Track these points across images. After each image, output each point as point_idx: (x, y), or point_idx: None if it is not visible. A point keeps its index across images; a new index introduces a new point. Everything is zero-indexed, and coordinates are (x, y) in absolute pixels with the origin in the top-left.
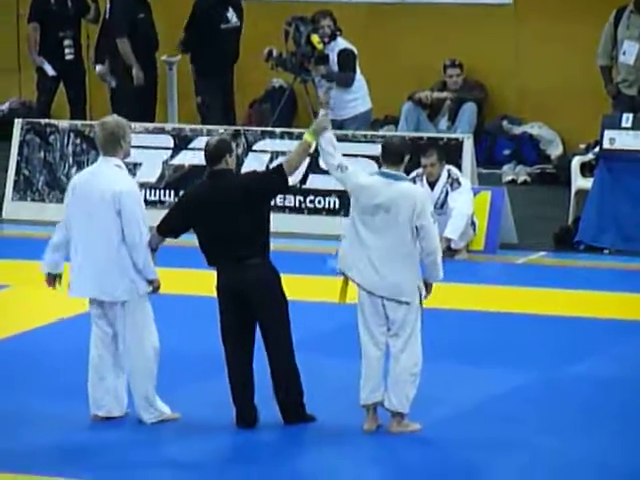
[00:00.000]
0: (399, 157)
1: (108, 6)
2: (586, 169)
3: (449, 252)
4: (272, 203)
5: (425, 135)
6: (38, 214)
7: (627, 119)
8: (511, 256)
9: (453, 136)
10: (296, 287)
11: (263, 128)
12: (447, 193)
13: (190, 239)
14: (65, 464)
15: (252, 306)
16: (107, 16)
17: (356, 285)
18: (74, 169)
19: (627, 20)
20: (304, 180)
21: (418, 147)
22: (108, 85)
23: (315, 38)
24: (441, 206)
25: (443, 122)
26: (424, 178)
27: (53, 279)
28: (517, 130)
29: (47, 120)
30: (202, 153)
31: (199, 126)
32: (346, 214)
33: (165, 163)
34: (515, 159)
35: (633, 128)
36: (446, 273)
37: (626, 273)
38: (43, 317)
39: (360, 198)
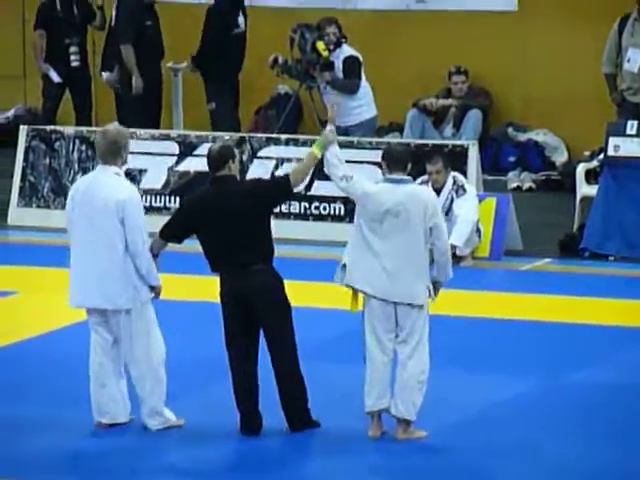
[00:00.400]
0: (403, 164)
1: (115, 12)
2: (591, 176)
3: (454, 259)
4: (277, 209)
5: (430, 142)
6: (43, 220)
7: (632, 126)
8: (516, 263)
9: (458, 143)
10: (301, 293)
11: (268, 135)
12: (452, 200)
13: (192, 245)
14: (69, 471)
15: (256, 312)
16: (113, 23)
17: (366, 295)
18: (79, 175)
19: (632, 27)
20: (309, 187)
21: (423, 154)
22: (117, 91)
23: (320, 45)
24: (446, 213)
25: (448, 129)
26: (429, 185)
27: None
28: (522, 137)
29: (52, 127)
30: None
31: (204, 132)
32: (351, 220)
33: (170, 169)
34: (520, 166)
35: (638, 135)
36: (451, 280)
37: (631, 280)
38: (50, 324)
39: (367, 205)
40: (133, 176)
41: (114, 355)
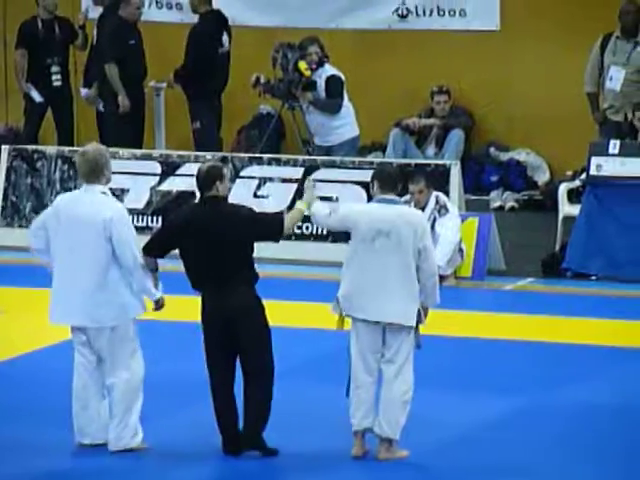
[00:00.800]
0: (394, 185)
1: (97, 31)
2: (573, 196)
3: None
4: None
5: (413, 162)
6: (25, 241)
7: (614, 146)
8: (499, 282)
9: (440, 162)
10: (282, 313)
11: (251, 154)
12: (435, 220)
13: (174, 265)
14: None
15: (235, 334)
16: (95, 41)
17: (360, 320)
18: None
19: (614, 46)
20: (292, 206)
21: (406, 174)
22: (96, 109)
23: (303, 65)
24: None
25: (430, 149)
26: (412, 205)
27: None
28: (504, 157)
29: (34, 146)
30: (190, 179)
31: (187, 152)
32: (334, 240)
33: (153, 189)
34: (502, 185)
35: (620, 155)
36: None
37: (614, 300)
38: (34, 343)
39: (359, 225)
40: (116, 196)
41: (97, 376)
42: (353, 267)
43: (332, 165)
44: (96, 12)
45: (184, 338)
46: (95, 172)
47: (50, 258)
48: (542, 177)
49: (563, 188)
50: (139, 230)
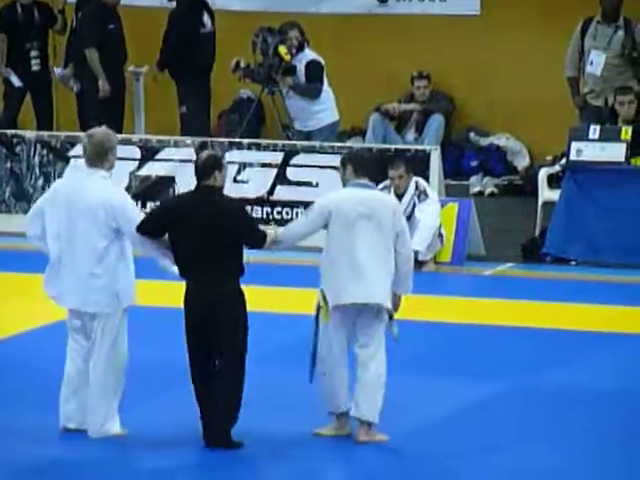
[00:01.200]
0: (369, 169)
1: (76, 16)
2: (553, 180)
3: (416, 264)
4: None
5: (392, 147)
6: (4, 225)
7: (594, 131)
8: (478, 268)
9: (420, 148)
10: (261, 298)
11: (231, 139)
12: (414, 205)
13: None
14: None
15: (214, 324)
16: (74, 25)
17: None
18: (41, 180)
19: (594, 31)
20: (272, 191)
21: (386, 159)
22: (70, 90)
23: (282, 49)
24: (408, 218)
25: (410, 134)
26: (392, 190)
27: None
28: (484, 142)
29: (13, 131)
30: (169, 164)
31: (166, 137)
32: None
33: (132, 174)
34: (482, 171)
35: (600, 140)
36: (413, 285)
37: (593, 285)
38: (14, 328)
39: (341, 209)
40: None
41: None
42: (334, 252)
43: (312, 150)
44: None
45: (167, 324)
46: (100, 156)
47: (46, 243)
48: (522, 162)
49: (543, 173)
50: None
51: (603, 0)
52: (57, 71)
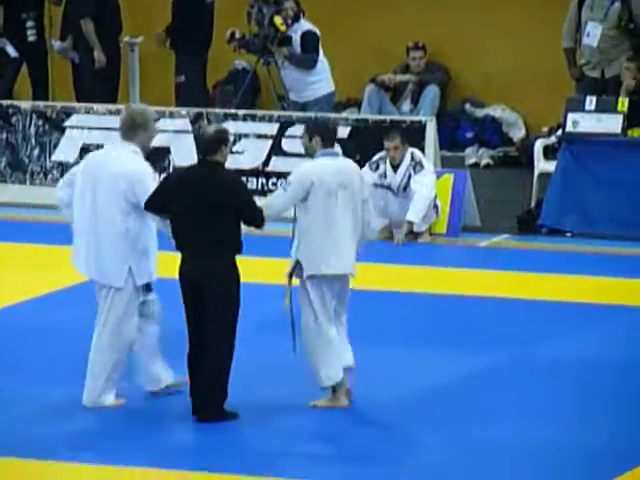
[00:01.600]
0: (335, 139)
1: None
2: (549, 152)
3: (411, 235)
4: None
5: (388, 118)
6: (0, 196)
7: (590, 102)
8: (474, 239)
9: (416, 119)
10: (254, 269)
11: (226, 110)
12: (410, 176)
13: None
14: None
15: (204, 299)
16: None
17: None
18: (36, 150)
19: (591, 2)
20: (267, 163)
21: (381, 130)
22: (71, 62)
23: (278, 20)
24: (404, 189)
25: (406, 105)
26: (387, 161)
27: None
28: (480, 113)
29: (9, 101)
30: (164, 135)
31: (162, 108)
32: None
33: None
34: (478, 142)
35: (596, 111)
36: (409, 256)
37: (588, 256)
38: (11, 298)
39: (324, 179)
40: (90, 151)
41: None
42: (313, 223)
43: (307, 121)
44: None
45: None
46: (129, 129)
47: (72, 212)
48: (517, 133)
49: (539, 144)
50: None
51: None
52: (56, 45)
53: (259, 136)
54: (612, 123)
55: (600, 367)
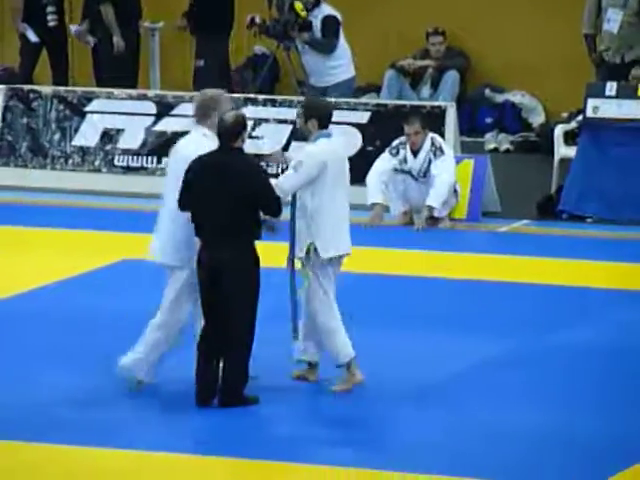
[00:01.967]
0: (331, 120)
1: None
2: (569, 137)
3: (431, 220)
4: None
5: (408, 103)
6: (21, 180)
7: (611, 87)
8: (494, 224)
9: (436, 104)
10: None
11: (245, 95)
12: (430, 161)
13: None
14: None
15: (222, 287)
16: None
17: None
18: (57, 135)
19: None
20: (286, 147)
21: (401, 115)
22: (87, 45)
23: (298, 5)
24: (424, 174)
25: (425, 90)
26: (407, 146)
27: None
28: (499, 98)
29: (30, 86)
30: (184, 120)
31: (182, 93)
32: None
33: (147, 129)
34: (497, 127)
35: (617, 97)
36: (429, 241)
37: (608, 242)
38: (27, 283)
39: (335, 160)
40: (111, 136)
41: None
42: (324, 204)
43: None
44: None
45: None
46: (202, 113)
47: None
48: (537, 119)
49: (559, 130)
50: (134, 170)
51: None
52: (73, 29)
53: (279, 121)
54: (632, 109)
55: (619, 353)
